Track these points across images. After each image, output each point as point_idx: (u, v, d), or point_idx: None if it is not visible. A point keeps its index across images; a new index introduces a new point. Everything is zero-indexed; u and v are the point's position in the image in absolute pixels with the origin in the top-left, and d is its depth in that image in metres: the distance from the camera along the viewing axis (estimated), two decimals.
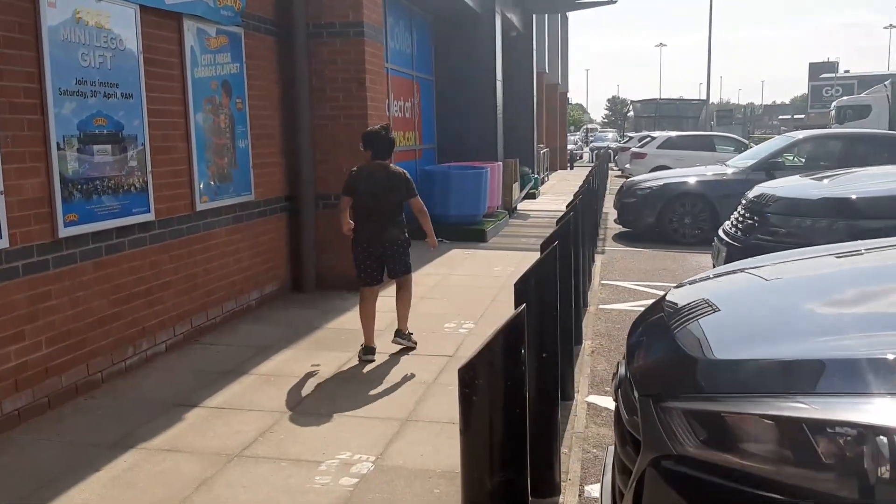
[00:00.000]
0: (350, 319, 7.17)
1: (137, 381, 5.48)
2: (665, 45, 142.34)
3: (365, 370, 5.70)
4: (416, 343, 6.19)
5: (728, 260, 5.02)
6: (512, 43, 19.05)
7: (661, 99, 45.40)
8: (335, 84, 8.23)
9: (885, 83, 33.90)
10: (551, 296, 3.84)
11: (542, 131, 27.19)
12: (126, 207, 5.52)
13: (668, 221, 12.12)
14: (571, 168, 38.61)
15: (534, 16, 21.37)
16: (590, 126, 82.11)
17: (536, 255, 3.84)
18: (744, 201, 5.57)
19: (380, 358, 5.93)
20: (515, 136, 18.89)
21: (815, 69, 72.35)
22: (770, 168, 11.93)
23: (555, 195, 22.17)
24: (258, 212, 7.59)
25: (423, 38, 14.42)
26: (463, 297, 8.23)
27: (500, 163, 15.01)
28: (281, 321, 7.20)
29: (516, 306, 2.56)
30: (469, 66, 15.03)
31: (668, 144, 22.92)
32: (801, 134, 12.64)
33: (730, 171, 12.55)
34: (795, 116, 72.69)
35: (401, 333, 6.17)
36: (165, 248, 6.05)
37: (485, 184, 12.73)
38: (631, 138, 33.87)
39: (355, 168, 6.00)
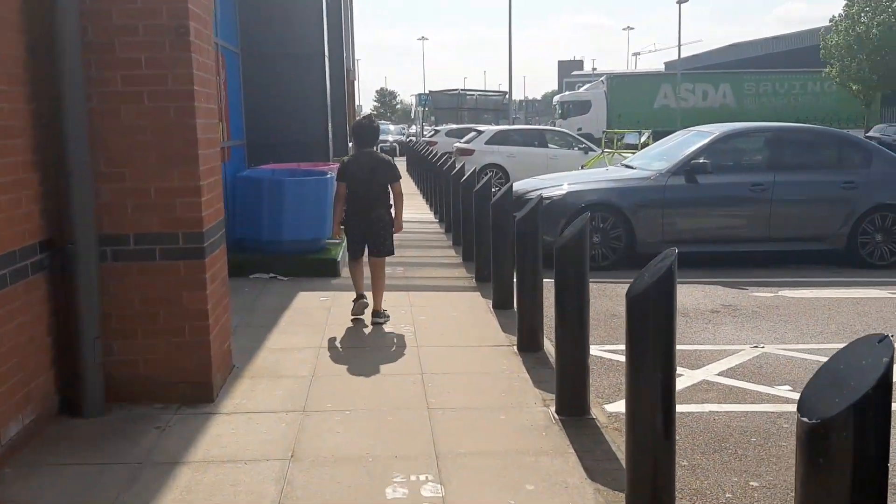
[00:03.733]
0: (211, 488, 3.63)
1: None
2: (427, 39, 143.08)
3: None
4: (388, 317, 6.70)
5: None
6: None
7: (462, 90, 43.30)
8: (133, 37, 4.55)
9: (602, 79, 34.06)
10: None
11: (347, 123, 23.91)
12: None
13: None
14: None
15: None
16: None
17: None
18: None
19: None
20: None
21: (564, 67, 76.42)
22: (693, 171, 9.65)
23: None
24: None
25: None
26: (372, 404, 4.89)
27: (337, 164, 11.58)
28: None
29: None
30: (290, 37, 11.43)
31: (497, 139, 20.44)
32: (720, 129, 10.31)
33: (639, 174, 10.04)
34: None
35: (377, 314, 6.64)
36: None
37: (330, 194, 9.30)
38: (437, 131, 31.31)
39: (345, 157, 6.86)
